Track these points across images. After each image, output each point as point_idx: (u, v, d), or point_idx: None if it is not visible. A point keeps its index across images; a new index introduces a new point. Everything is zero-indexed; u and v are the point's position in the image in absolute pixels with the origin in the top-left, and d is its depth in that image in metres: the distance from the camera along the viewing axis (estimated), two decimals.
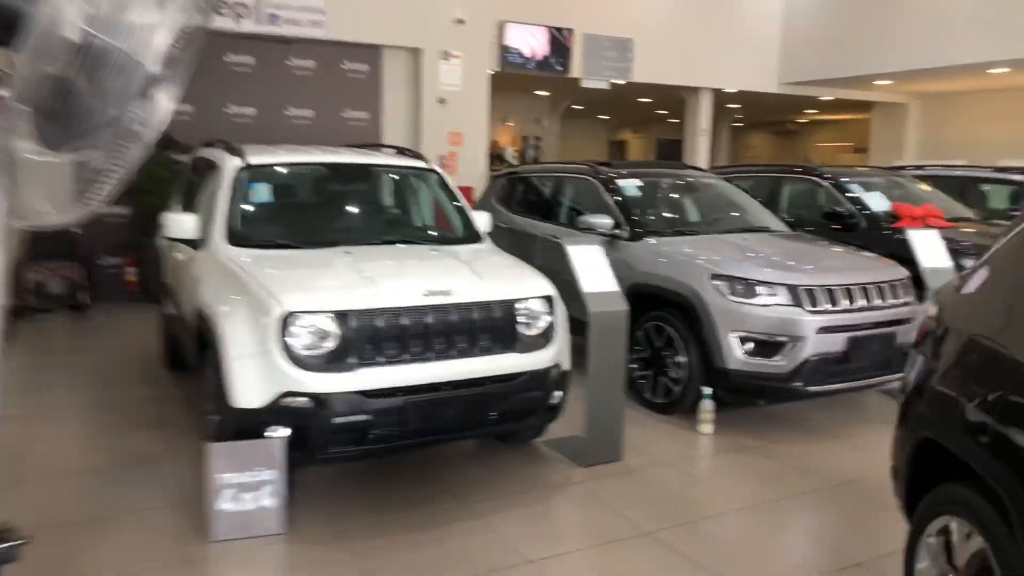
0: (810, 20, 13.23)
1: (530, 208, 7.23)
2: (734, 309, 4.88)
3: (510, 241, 6.45)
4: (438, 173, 5.34)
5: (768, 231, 6.04)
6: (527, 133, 17.22)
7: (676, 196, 6.60)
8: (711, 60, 12.93)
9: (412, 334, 3.57)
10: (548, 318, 4.01)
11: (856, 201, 7.27)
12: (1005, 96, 13.81)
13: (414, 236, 5.04)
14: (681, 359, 5.16)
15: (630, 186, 6.17)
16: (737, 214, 6.38)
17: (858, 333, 4.91)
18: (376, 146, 5.97)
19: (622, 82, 12.17)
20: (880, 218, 7.07)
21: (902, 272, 5.34)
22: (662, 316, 5.29)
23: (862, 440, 4.98)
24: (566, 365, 4.21)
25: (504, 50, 10.79)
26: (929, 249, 5.74)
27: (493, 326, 3.77)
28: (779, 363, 4.82)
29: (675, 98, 14.05)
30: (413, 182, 5.49)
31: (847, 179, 7.59)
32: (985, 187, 9.42)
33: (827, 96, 14.68)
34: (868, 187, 7.53)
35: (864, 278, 5.06)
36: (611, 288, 4.47)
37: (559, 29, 11.24)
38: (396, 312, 3.55)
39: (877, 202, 7.28)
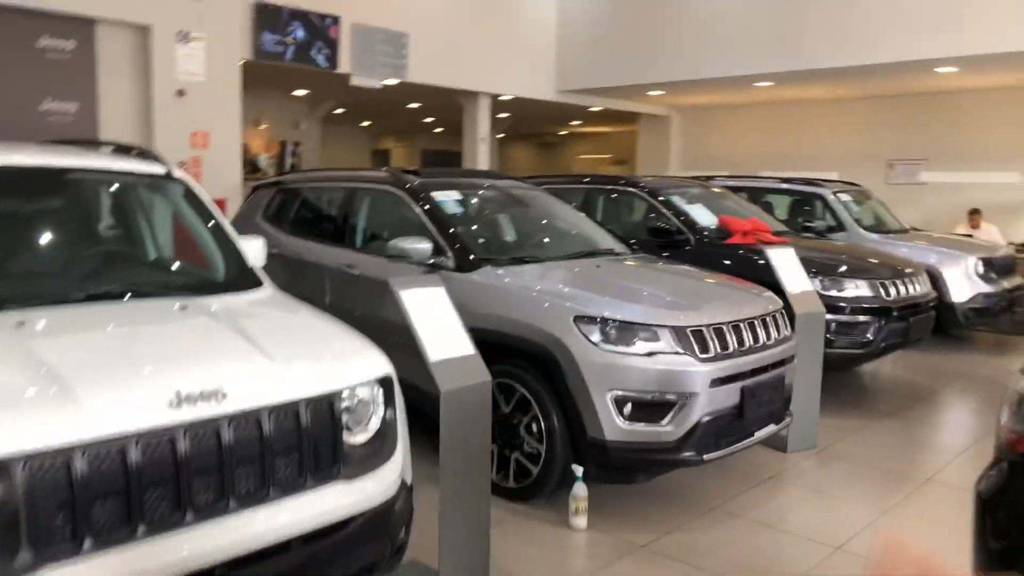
0: (586, 28, 12.80)
1: (309, 228, 5.60)
2: (609, 361, 3.71)
3: (283, 273, 4.82)
4: (183, 183, 3.60)
5: (614, 254, 4.98)
6: (284, 138, 15.19)
7: (503, 212, 5.34)
8: (490, 63, 12.00)
9: (150, 481, 1.92)
10: (385, 412, 2.53)
11: (681, 215, 6.53)
12: (764, 109, 14.42)
13: (147, 282, 3.23)
14: (540, 428, 3.91)
15: (449, 200, 4.81)
16: (575, 234, 5.26)
17: (752, 380, 3.97)
18: (87, 143, 4.02)
19: (396, 82, 10.80)
20: (709, 234, 6.39)
21: (778, 301, 4.52)
22: (511, 372, 3.99)
23: (762, 512, 4.05)
24: (409, 476, 2.76)
25: (258, 36, 8.93)
26: (789, 269, 5.03)
27: (300, 444, 2.22)
28: (666, 429, 3.72)
29: (448, 104, 12.96)
30: (144, 196, 3.70)
31: (669, 191, 6.85)
32: (770, 198, 9.35)
33: (600, 106, 14.44)
34: (690, 199, 6.85)
35: (748, 311, 4.14)
36: (464, 350, 3.07)
37: (324, 17, 9.60)
38: (117, 445, 1.88)
39: (703, 216, 6.60)
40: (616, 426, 3.71)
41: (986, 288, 7.76)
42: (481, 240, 4.80)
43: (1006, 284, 8.04)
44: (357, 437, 2.42)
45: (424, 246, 4.43)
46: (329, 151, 17.15)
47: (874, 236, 8.38)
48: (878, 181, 12.32)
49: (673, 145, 16.03)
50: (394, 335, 3.80)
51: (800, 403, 4.71)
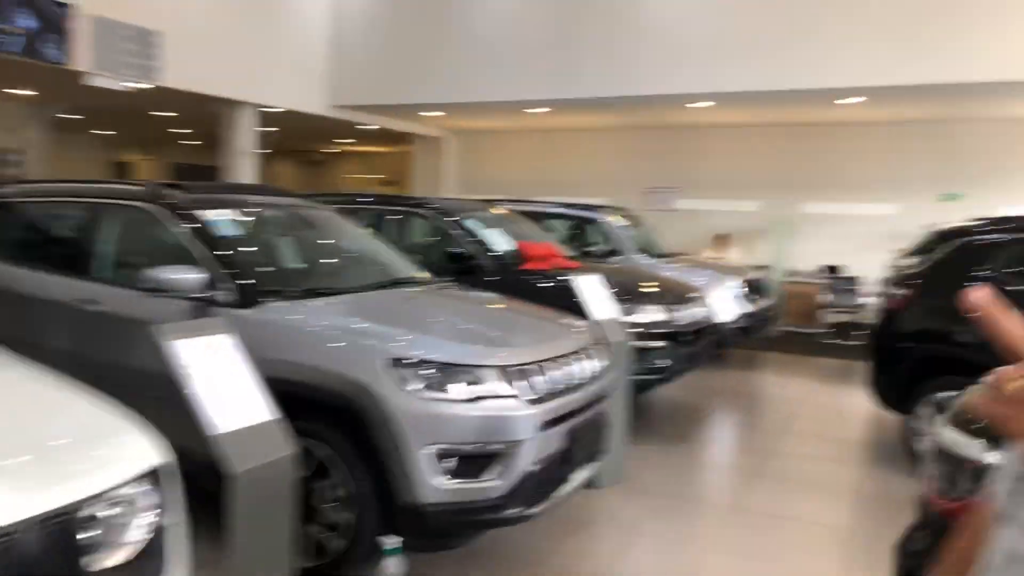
0: (362, 43, 12.24)
1: (29, 253, 4.51)
2: (429, 411, 3.22)
3: None
4: None
5: (419, 283, 4.49)
6: (2, 144, 12.88)
7: (288, 235, 4.63)
8: (257, 72, 11.02)
9: None
10: (153, 518, 1.84)
11: (478, 239, 6.21)
12: (537, 135, 14.72)
13: None
14: (343, 494, 3.31)
15: (223, 220, 4.03)
16: (373, 261, 4.70)
17: (578, 420, 3.68)
18: None
19: (147, 85, 9.49)
20: (507, 259, 6.12)
21: (594, 331, 4.30)
22: (309, 428, 3.35)
23: (594, 563, 3.75)
24: None
25: None
26: (595, 297, 4.86)
27: None
28: (491, 484, 3.30)
29: (206, 115, 11.73)
30: None
31: (464, 214, 6.51)
32: (550, 222, 9.41)
33: (375, 124, 13.92)
34: (487, 223, 6.56)
35: (570, 344, 3.86)
36: (260, 415, 2.42)
37: (58, 4, 8.15)
38: None
39: (500, 241, 6.33)
40: (435, 486, 3.21)
41: (748, 308, 8.30)
42: (265, 268, 4.08)
43: (763, 304, 8.68)
44: (109, 560, 1.71)
45: (193, 276, 3.64)
46: (60, 162, 14.88)
47: (648, 260, 8.68)
48: (638, 207, 13.03)
49: (448, 167, 15.90)
50: (153, 388, 3.03)
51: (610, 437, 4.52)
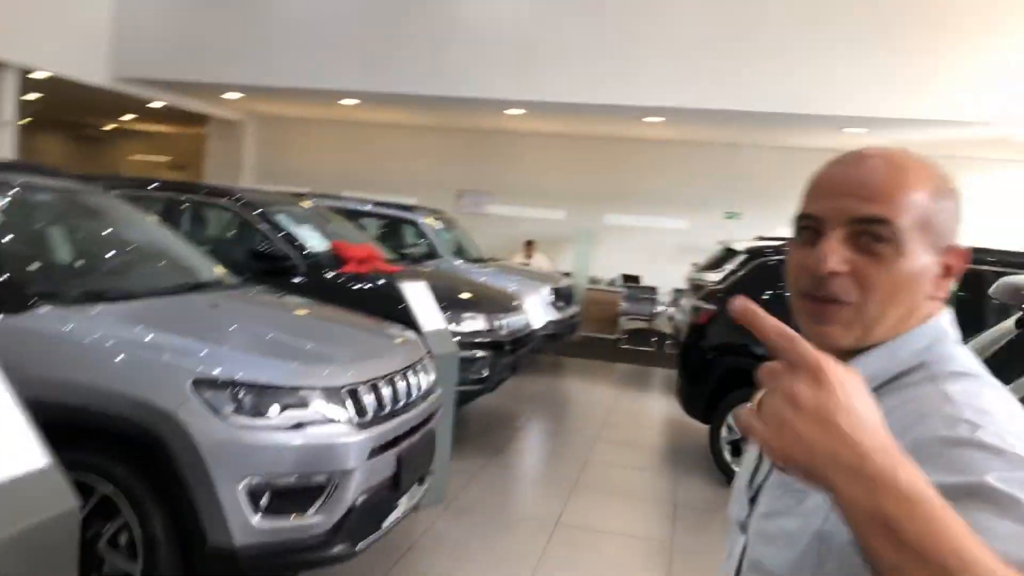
0: (155, 9, 11.03)
1: None
2: (243, 440, 2.80)
3: None
4: None
5: (225, 286, 3.97)
6: None
7: (62, 226, 3.89)
8: (21, 27, 9.53)
9: None
10: None
11: (289, 237, 5.72)
12: (348, 128, 14.12)
13: None
14: (133, 539, 2.80)
15: None
16: (170, 259, 4.10)
17: (408, 443, 3.40)
18: None
19: None
20: (322, 261, 5.69)
21: (420, 344, 4.04)
22: (91, 463, 2.80)
23: None
24: None
25: None
26: (423, 305, 4.61)
27: None
28: (313, 520, 2.94)
29: None
30: None
31: (273, 207, 5.97)
32: (362, 221, 9.02)
33: (165, 101, 12.64)
34: (298, 220, 6.06)
35: (401, 360, 3.57)
36: (29, 461, 1.92)
37: None
38: None
39: (314, 240, 5.88)
40: (249, 525, 2.80)
41: (556, 315, 8.43)
42: (35, 266, 3.40)
43: (569, 311, 8.87)
44: None
45: None
46: None
47: (464, 264, 8.56)
48: (449, 209, 12.93)
49: (246, 154, 14.85)
50: None
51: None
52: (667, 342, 10.68)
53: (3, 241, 3.35)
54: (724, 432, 5.20)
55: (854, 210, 0.88)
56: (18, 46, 9.58)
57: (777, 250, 5.43)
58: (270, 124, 14.70)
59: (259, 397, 2.87)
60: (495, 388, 5.88)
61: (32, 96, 12.90)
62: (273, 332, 3.35)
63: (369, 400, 3.17)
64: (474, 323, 5.58)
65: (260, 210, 5.83)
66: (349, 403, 3.06)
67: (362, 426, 3.08)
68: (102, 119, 18.55)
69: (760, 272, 5.29)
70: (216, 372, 2.85)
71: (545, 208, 13.07)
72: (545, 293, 8.14)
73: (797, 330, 0.70)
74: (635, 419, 7.14)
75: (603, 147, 12.83)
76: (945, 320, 0.93)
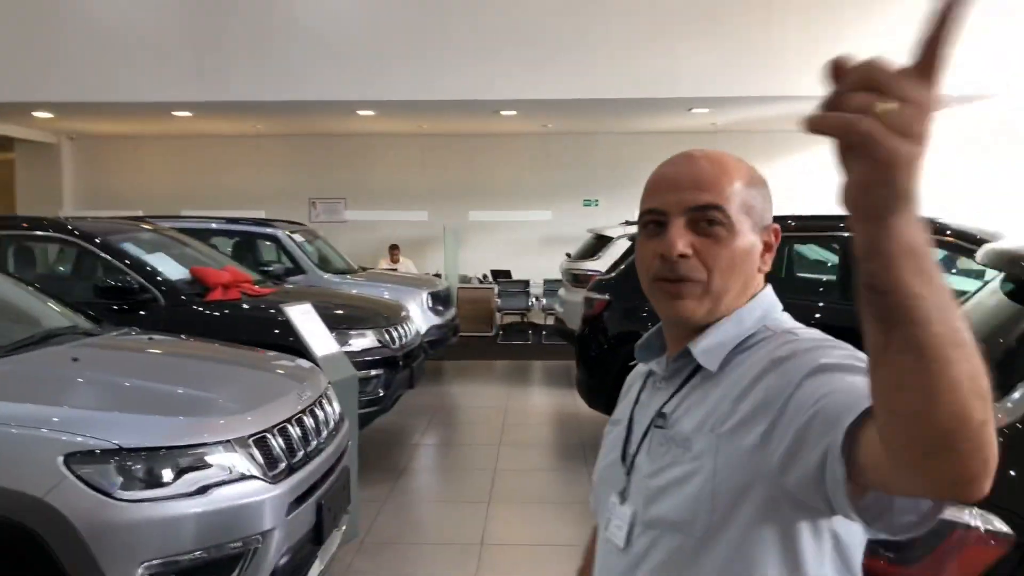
0: None
1: None
2: (137, 517, 2.35)
3: None
4: None
5: (79, 333, 3.39)
6: None
7: None
8: None
9: None
10: None
11: (141, 267, 5.08)
12: (181, 142, 13.06)
13: None
14: None
15: None
16: (8, 308, 3.46)
17: (325, 487, 3.03)
18: None
19: None
20: (181, 289, 5.10)
21: (319, 374, 3.65)
22: None
23: None
24: None
25: None
26: (311, 329, 4.20)
27: None
28: None
29: None
30: None
31: (115, 236, 5.29)
32: (214, 240, 8.32)
33: None
34: (147, 247, 5.42)
35: (306, 395, 3.18)
36: None
37: None
38: None
39: (168, 267, 5.27)
40: None
41: (436, 320, 8.14)
42: None
43: (449, 315, 8.60)
44: None
45: None
46: None
47: (332, 277, 8.09)
48: (302, 219, 12.28)
49: (65, 179, 13.42)
50: None
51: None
52: (543, 333, 10.65)
53: None
54: None
55: (691, 200, 1.02)
56: None
57: None
58: (90, 144, 13.36)
59: (150, 463, 2.42)
60: (392, 406, 5.53)
61: None
62: (151, 383, 2.87)
63: (278, 447, 2.78)
64: (363, 340, 5.20)
65: (99, 239, 5.15)
66: (256, 454, 2.67)
67: (276, 478, 2.69)
68: None
69: None
70: (92, 441, 2.37)
71: (406, 210, 12.70)
72: (424, 298, 7.83)
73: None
74: (532, 418, 6.99)
75: (460, 143, 12.62)
76: (771, 291, 1.09)
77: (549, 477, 5.34)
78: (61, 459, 2.31)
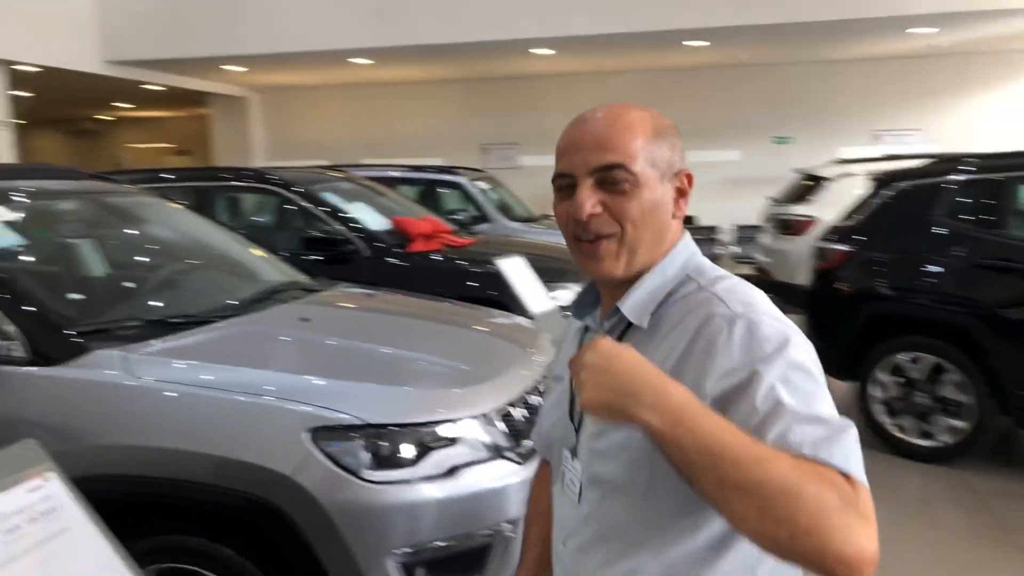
0: None
1: None
2: (386, 501, 2.10)
3: None
4: None
5: (302, 290, 3.23)
6: None
7: (97, 240, 3.12)
8: (2, 24, 8.67)
9: None
10: None
11: (344, 218, 4.97)
12: (357, 91, 13.23)
13: None
14: None
15: None
16: (231, 265, 3.36)
17: None
18: None
19: None
20: (383, 240, 4.94)
21: (541, 330, 3.31)
22: (186, 547, 2.12)
23: None
24: None
25: None
26: (525, 283, 3.88)
27: None
28: None
29: None
30: None
31: (316, 186, 5.21)
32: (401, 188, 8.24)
33: (161, 83, 11.78)
34: (347, 197, 5.31)
35: (541, 359, 2.84)
36: None
37: None
38: None
39: (370, 218, 5.13)
40: None
41: None
42: (76, 297, 2.68)
43: None
44: None
45: None
46: None
47: (517, 226, 7.80)
48: (474, 166, 12.11)
49: (254, 131, 14.00)
50: None
51: None
52: None
53: (29, 266, 2.63)
54: (876, 391, 4.47)
55: (596, 161, 1.05)
56: (2, 41, 8.74)
57: (924, 172, 4.62)
58: (276, 96, 13.83)
59: (397, 440, 2.16)
60: None
61: (23, 93, 12.09)
62: (387, 348, 2.61)
63: (522, 421, 2.46)
64: (566, 294, 4.84)
65: (302, 189, 5.07)
66: (506, 430, 2.35)
67: (524, 457, 2.37)
68: (97, 110, 17.68)
69: (902, 201, 4.50)
70: (337, 415, 2.14)
71: None
72: None
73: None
74: None
75: (642, 80, 11.89)
76: (689, 238, 1.12)
77: None
78: (307, 434, 2.08)
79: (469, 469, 2.22)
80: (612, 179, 1.03)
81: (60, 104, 14.96)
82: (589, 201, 1.03)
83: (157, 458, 2.10)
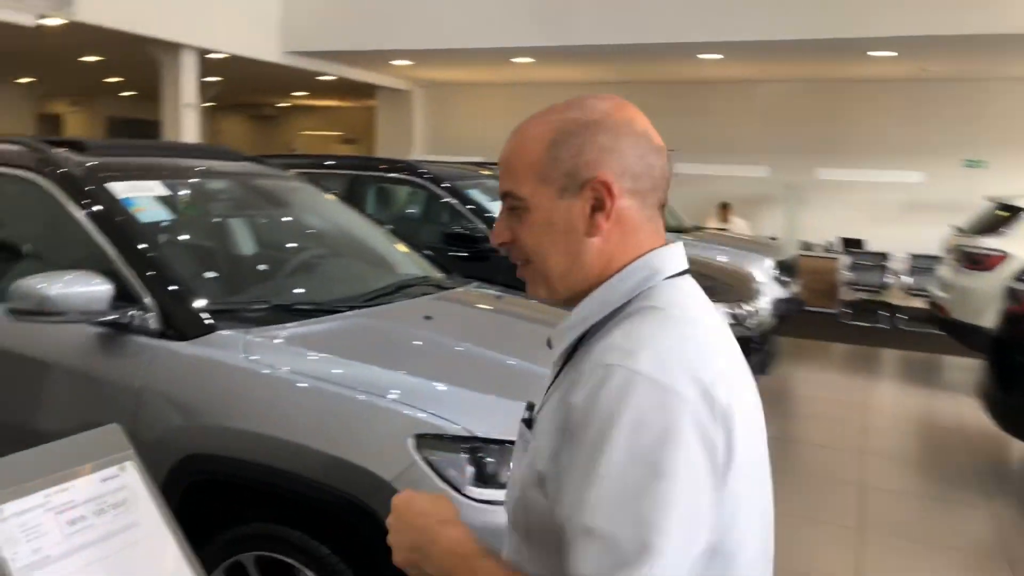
0: None
1: None
2: (487, 522, 1.95)
3: None
4: None
5: (431, 285, 3.17)
6: None
7: (244, 221, 3.23)
8: (198, 9, 9.38)
9: None
10: None
11: (486, 216, 4.91)
12: (516, 90, 13.30)
13: None
14: None
15: (145, 197, 2.66)
16: (368, 254, 3.36)
17: None
18: None
19: (57, 21, 7.87)
20: None
21: None
22: (281, 538, 2.08)
23: None
24: None
25: None
26: None
27: None
28: None
29: (139, 60, 10.10)
30: None
31: (463, 182, 5.19)
32: None
33: (333, 74, 12.34)
34: (492, 195, 5.25)
35: None
36: None
37: None
38: None
39: None
40: None
41: (781, 293, 7.17)
42: (215, 275, 2.74)
43: (795, 287, 7.57)
44: None
45: (92, 289, 2.28)
46: None
47: (667, 235, 7.47)
48: None
49: (415, 124, 14.42)
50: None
51: None
52: (901, 317, 9.09)
53: (172, 242, 2.71)
54: None
55: (500, 187, 1.00)
56: (196, 29, 9.45)
57: None
58: (437, 92, 14.16)
59: (507, 460, 2.01)
60: None
61: (212, 79, 13.09)
62: (507, 356, 2.48)
63: None
64: None
65: (451, 185, 5.06)
66: None
67: None
68: (276, 97, 18.89)
69: None
70: (443, 423, 2.02)
71: (743, 164, 11.62)
72: (768, 266, 6.91)
73: None
74: (899, 422, 5.81)
75: (814, 90, 11.18)
76: (658, 257, 0.97)
77: (936, 508, 4.26)
78: (412, 440, 1.98)
79: None
80: (510, 206, 0.97)
81: (244, 90, 16.07)
82: (497, 229, 0.99)
83: (270, 447, 2.07)
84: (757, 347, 4.73)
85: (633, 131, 0.95)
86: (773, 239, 9.51)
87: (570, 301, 0.97)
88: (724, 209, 10.86)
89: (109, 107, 18.33)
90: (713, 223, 10.57)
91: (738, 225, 10.64)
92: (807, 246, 10.36)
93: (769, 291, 6.65)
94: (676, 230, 7.80)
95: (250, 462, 2.10)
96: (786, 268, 7.43)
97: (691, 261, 3.85)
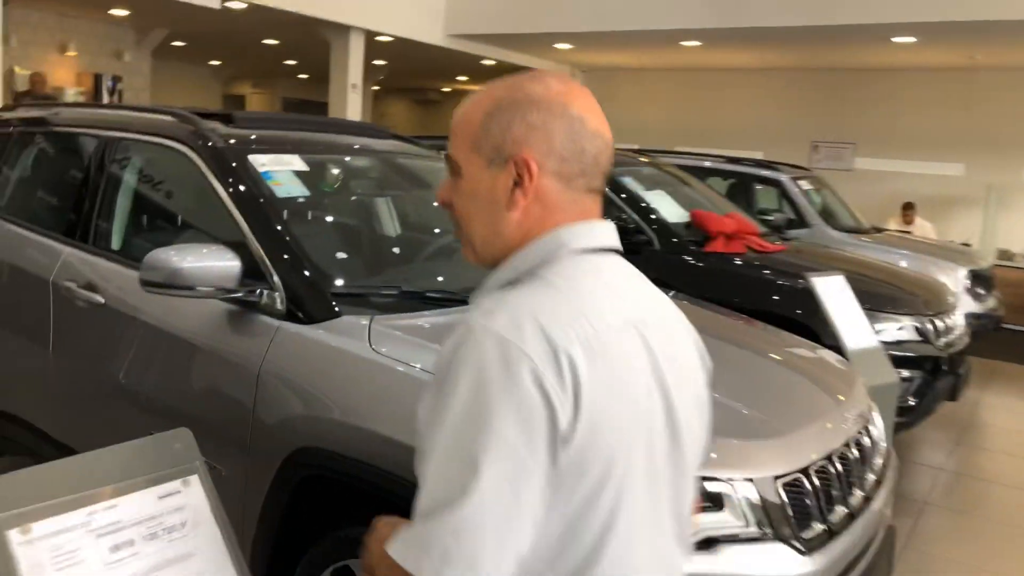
0: None
1: (33, 205, 3.21)
2: None
3: None
4: None
5: None
6: (100, 70, 12.05)
7: (384, 201, 3.09)
8: None
9: None
10: None
11: (640, 207, 4.58)
12: (680, 75, 12.75)
13: None
14: None
15: (284, 172, 2.56)
16: None
17: (864, 561, 2.05)
18: None
19: (240, 4, 8.25)
20: (678, 234, 4.46)
21: (855, 372, 2.63)
22: None
23: None
24: None
25: None
26: (843, 309, 3.16)
27: None
28: None
29: (312, 43, 10.48)
30: None
31: (615, 169, 4.87)
32: (709, 180, 7.60)
33: (495, 57, 12.31)
34: (647, 184, 4.91)
35: (847, 412, 2.21)
36: None
37: None
38: None
39: (668, 209, 4.68)
40: None
41: (976, 307, 6.31)
42: (345, 257, 2.61)
43: (991, 301, 6.65)
44: None
45: (222, 264, 2.18)
46: (163, 91, 14.08)
47: (841, 236, 6.79)
48: (800, 164, 10.98)
49: None
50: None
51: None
52: None
53: (309, 221, 2.60)
54: None
55: (447, 149, 1.01)
56: (366, 11, 9.66)
57: None
58: (598, 76, 13.82)
59: None
60: (920, 421, 4.21)
61: (379, 62, 13.45)
62: None
63: (814, 496, 1.87)
64: (897, 329, 3.96)
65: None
66: (786, 503, 1.80)
67: (810, 545, 1.79)
68: (439, 82, 19.23)
69: None
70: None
71: (935, 161, 10.47)
72: (961, 277, 6.10)
73: None
74: None
75: (1018, 79, 9.87)
76: (568, 232, 0.96)
77: None
78: None
79: (731, 546, 1.71)
80: (450, 169, 1.00)
81: (409, 74, 16.43)
82: (441, 189, 1.02)
83: (390, 450, 1.88)
84: (948, 368, 4.10)
85: (566, 114, 0.94)
86: (966, 245, 8.48)
87: (494, 267, 0.99)
88: (907, 210, 9.83)
89: (285, 89, 19.38)
90: (895, 224, 9.59)
91: (923, 228, 9.58)
92: (1007, 255, 9.17)
93: (962, 304, 5.87)
94: (852, 231, 7.10)
95: (367, 463, 1.92)
96: (982, 279, 6.56)
97: (870, 266, 3.31)
